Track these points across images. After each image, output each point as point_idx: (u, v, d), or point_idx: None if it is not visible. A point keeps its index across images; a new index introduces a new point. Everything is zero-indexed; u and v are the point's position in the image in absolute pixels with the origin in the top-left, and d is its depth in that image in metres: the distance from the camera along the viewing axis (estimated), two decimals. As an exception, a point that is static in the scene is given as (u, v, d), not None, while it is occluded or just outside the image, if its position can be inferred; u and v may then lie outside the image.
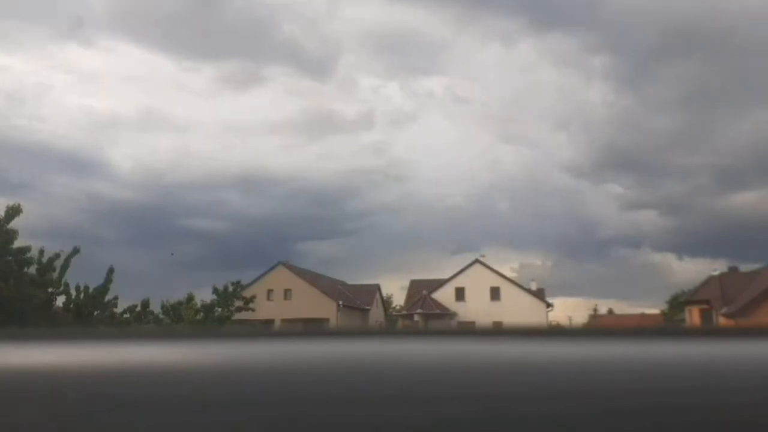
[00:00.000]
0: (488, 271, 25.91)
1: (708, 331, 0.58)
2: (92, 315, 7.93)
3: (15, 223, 7.29)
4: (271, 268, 24.90)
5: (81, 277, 7.92)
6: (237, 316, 9.00)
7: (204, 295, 9.10)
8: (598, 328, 0.69)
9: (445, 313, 24.91)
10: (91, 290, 7.95)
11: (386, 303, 30.53)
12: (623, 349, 0.50)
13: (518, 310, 23.90)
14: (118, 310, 8.18)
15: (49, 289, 7.55)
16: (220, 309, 9.01)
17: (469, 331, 0.57)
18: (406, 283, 28.30)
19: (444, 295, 25.75)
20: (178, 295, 9.00)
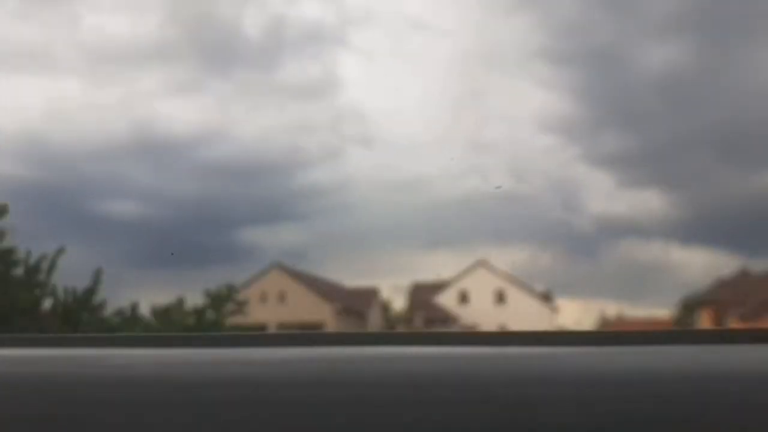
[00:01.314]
0: (492, 274, 25.80)
1: (729, 336, 0.55)
2: (80, 319, 7.86)
3: (1, 223, 7.26)
4: (266, 270, 24.40)
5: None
6: (230, 320, 8.99)
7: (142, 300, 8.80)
8: (611, 333, 0.59)
9: (448, 318, 24.80)
10: (79, 293, 7.91)
11: (385, 306, 30.16)
12: (640, 356, 0.48)
13: (524, 314, 23.70)
14: (107, 313, 8.15)
15: (36, 291, 7.51)
16: (213, 313, 9.02)
17: (473, 337, 0.55)
18: (376, 283, 26.00)
19: (446, 299, 25.63)
20: (122, 298, 8.70)
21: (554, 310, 25.04)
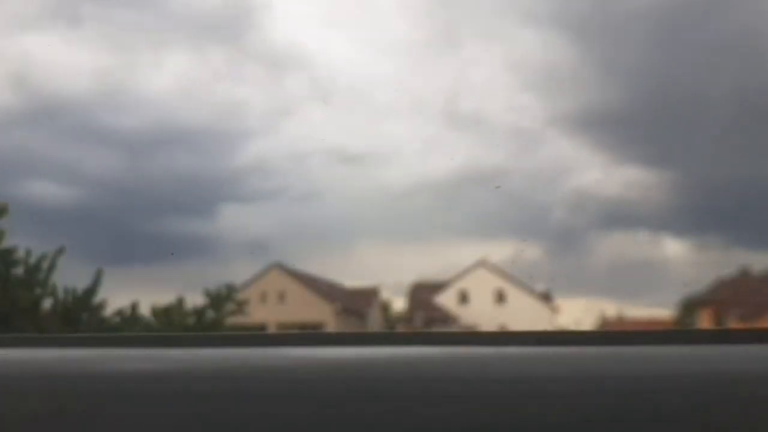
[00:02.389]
0: (492, 273, 25.80)
1: (729, 336, 0.54)
2: (80, 319, 7.87)
3: (1, 223, 7.26)
4: (266, 270, 24.22)
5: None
6: (230, 320, 9.01)
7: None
8: (611, 333, 0.58)
9: (448, 318, 24.81)
10: (79, 292, 7.92)
11: (385, 306, 30.08)
12: (640, 356, 0.48)
13: (524, 314, 23.66)
14: (107, 313, 8.16)
15: (37, 291, 7.52)
16: (213, 313, 9.04)
17: (473, 337, 0.54)
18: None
19: (446, 299, 25.64)
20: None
21: (554, 309, 25.03)
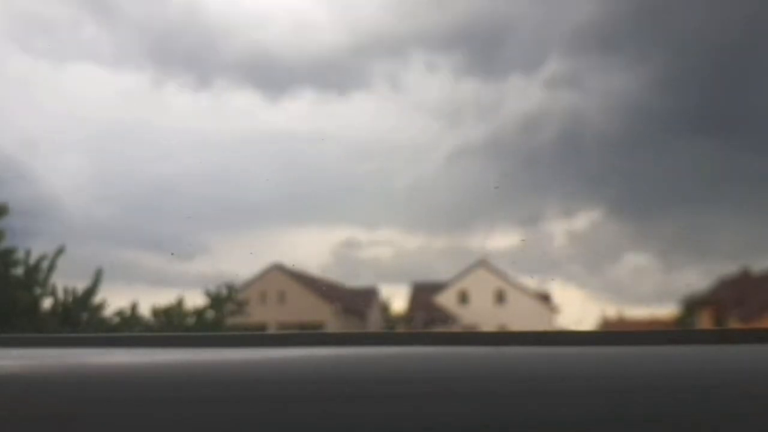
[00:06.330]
0: (492, 274, 25.82)
1: (729, 336, 0.54)
2: (80, 319, 7.90)
3: (1, 223, 7.28)
4: (265, 270, 24.14)
5: None
6: (230, 320, 9.04)
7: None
8: (611, 333, 0.57)
9: (448, 318, 24.85)
10: (80, 293, 7.95)
11: (385, 307, 30.06)
12: (640, 356, 0.48)
13: (524, 314, 23.65)
14: (107, 313, 8.19)
15: (37, 291, 7.54)
16: (213, 313, 9.07)
17: (473, 337, 0.54)
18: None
19: (446, 299, 25.64)
20: None
21: (554, 309, 25.04)
